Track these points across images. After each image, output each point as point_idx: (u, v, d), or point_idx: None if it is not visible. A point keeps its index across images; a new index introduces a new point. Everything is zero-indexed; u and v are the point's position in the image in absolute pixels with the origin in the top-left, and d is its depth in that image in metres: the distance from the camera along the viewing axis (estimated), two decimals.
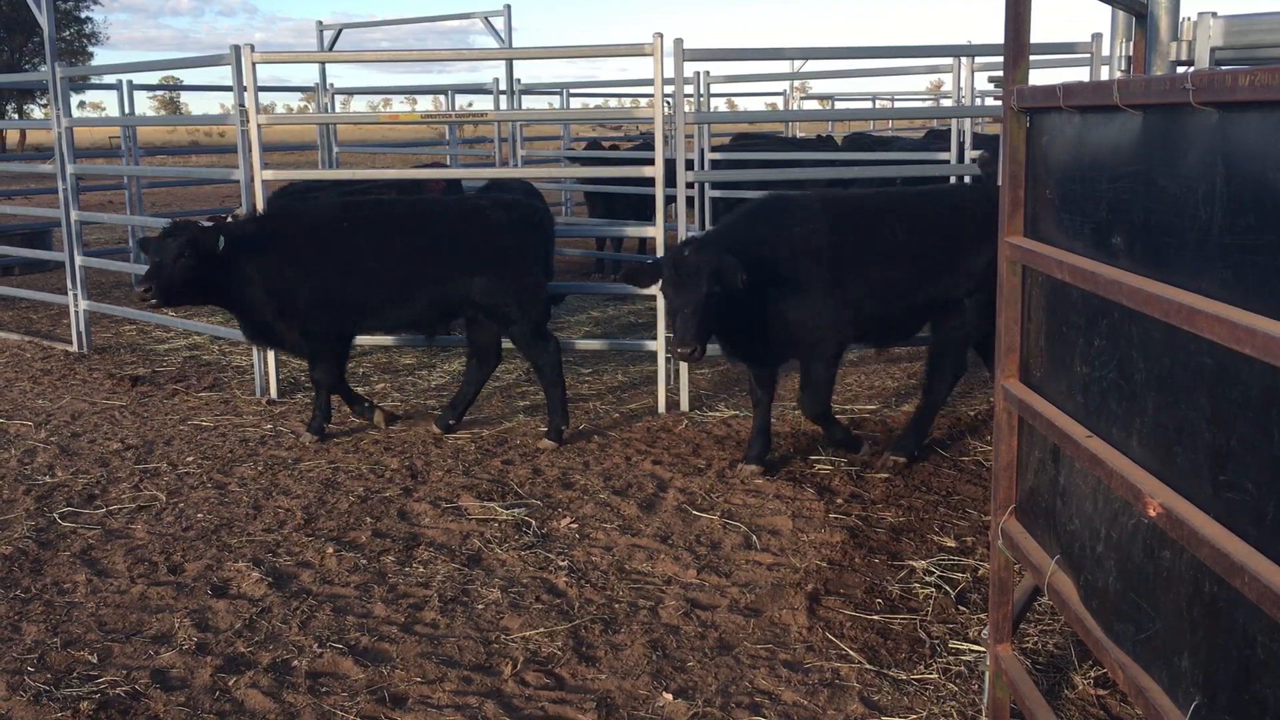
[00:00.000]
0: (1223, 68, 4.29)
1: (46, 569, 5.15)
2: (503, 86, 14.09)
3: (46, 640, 4.43)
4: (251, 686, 4.05)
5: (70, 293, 9.90)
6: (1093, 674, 3.98)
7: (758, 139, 15.09)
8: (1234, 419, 2.08)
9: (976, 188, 7.31)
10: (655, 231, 7.87)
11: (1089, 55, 8.32)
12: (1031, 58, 3.08)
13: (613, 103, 19.45)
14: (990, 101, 13.58)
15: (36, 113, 43.95)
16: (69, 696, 3.99)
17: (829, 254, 6.12)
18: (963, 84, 11.21)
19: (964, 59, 11.03)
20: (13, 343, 10.30)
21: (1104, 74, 7.81)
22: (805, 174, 10.36)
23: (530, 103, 17.54)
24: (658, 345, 7.57)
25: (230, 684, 4.07)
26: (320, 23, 14.18)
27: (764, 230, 6.18)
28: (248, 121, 7.82)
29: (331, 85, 15.18)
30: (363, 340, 8.19)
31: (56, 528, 5.65)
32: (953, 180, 10.07)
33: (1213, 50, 4.20)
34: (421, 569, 5.09)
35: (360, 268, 6.79)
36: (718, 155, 13.15)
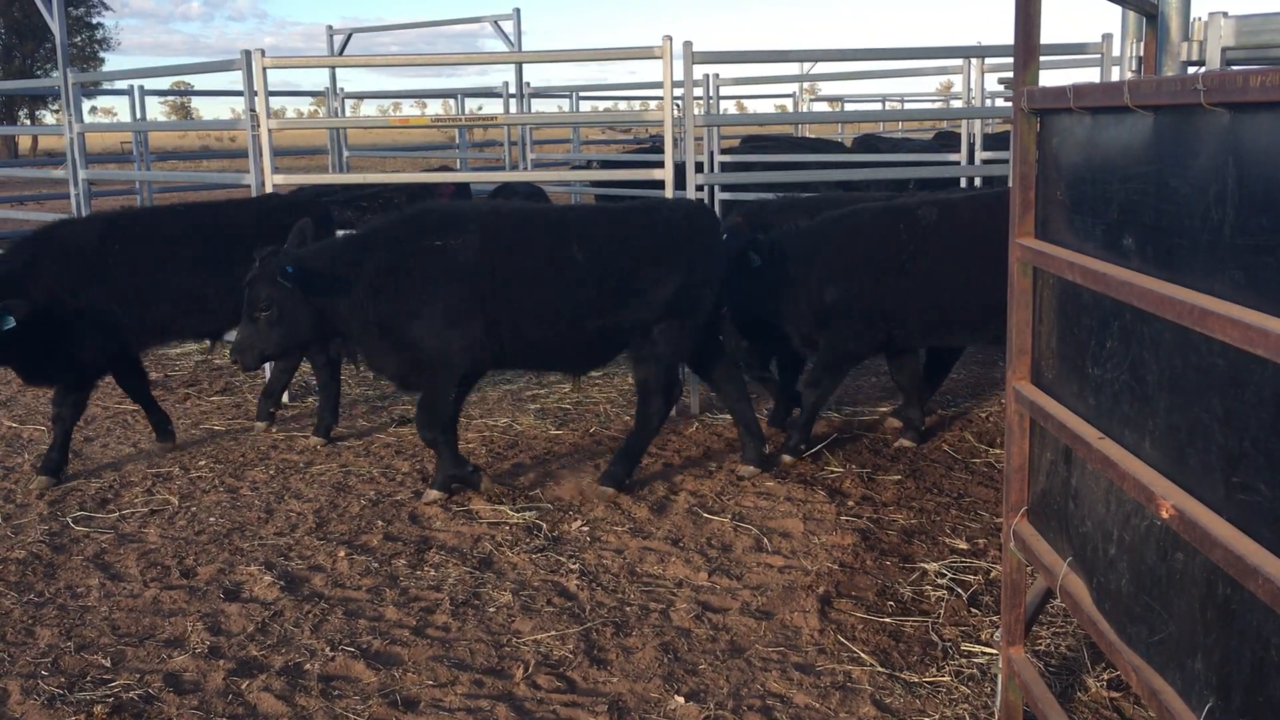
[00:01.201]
0: (1234, 68, 4.28)
1: (60, 573, 5.17)
2: (512, 90, 14.14)
3: (60, 644, 4.45)
4: (264, 690, 4.06)
5: None
6: (1106, 676, 3.97)
7: (768, 141, 15.08)
8: (1247, 420, 2.08)
9: (681, 203, 6.48)
10: None
11: (1099, 56, 8.31)
12: (1042, 59, 3.07)
13: (622, 106, 19.47)
14: (1000, 103, 13.56)
15: (48, 118, 44.16)
16: (82, 700, 4.00)
17: (473, 271, 5.72)
18: (973, 85, 11.20)
19: (974, 60, 11.02)
20: None
21: (1115, 75, 7.80)
22: (814, 176, 10.35)
23: (540, 106, 17.51)
24: None
25: (243, 687, 4.08)
26: (330, 27, 14.23)
27: (399, 241, 5.83)
28: (258, 126, 7.84)
29: (341, 89, 15.23)
30: None
31: (70, 531, 5.68)
32: (964, 183, 10.06)
33: (1224, 50, 4.19)
34: (433, 572, 5.10)
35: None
36: (727, 158, 13.16)
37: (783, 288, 6.52)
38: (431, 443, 6.00)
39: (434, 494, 6.00)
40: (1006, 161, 9.11)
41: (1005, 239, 6.66)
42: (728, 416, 7.39)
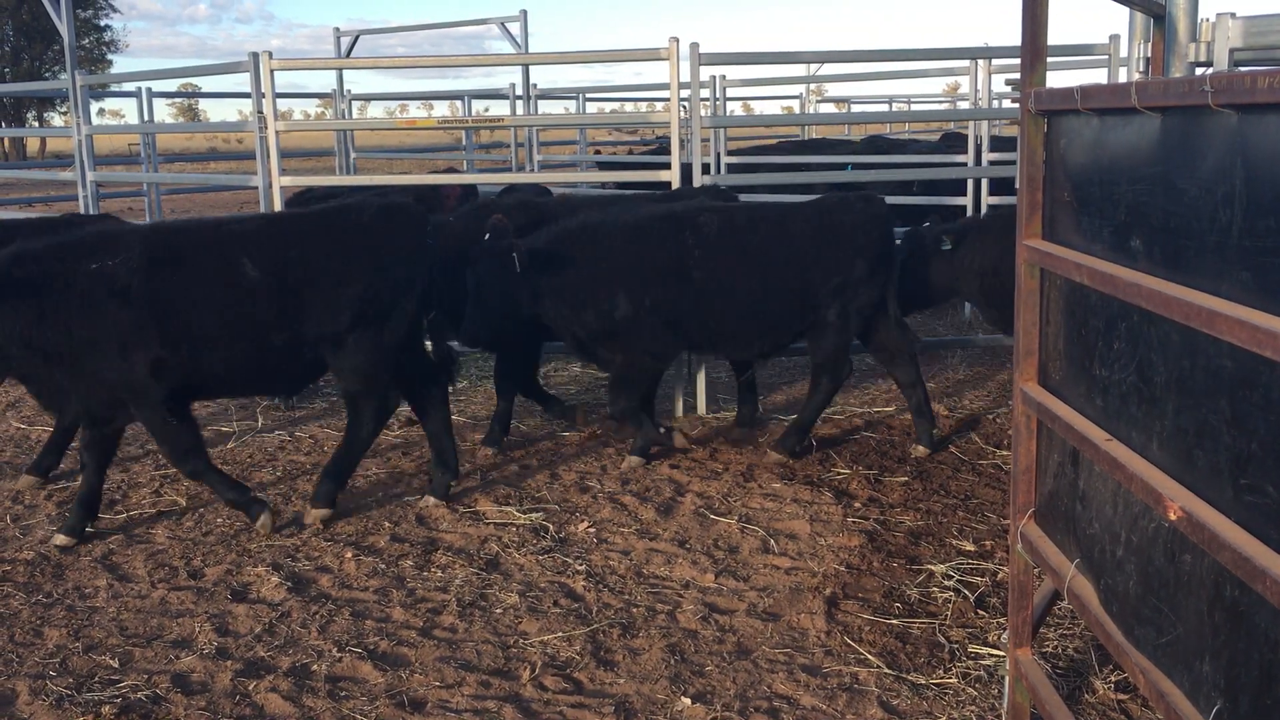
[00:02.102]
0: (1242, 69, 4.28)
1: (68, 574, 5.19)
2: (519, 91, 14.15)
3: (68, 645, 4.47)
4: (271, 690, 4.07)
5: None
6: (1113, 678, 3.96)
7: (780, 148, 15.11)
8: (1255, 422, 2.07)
9: (371, 202, 5.94)
10: None
11: (1107, 57, 8.30)
12: (1049, 60, 3.07)
13: (629, 107, 19.48)
14: (1007, 104, 13.54)
15: (57, 120, 44.30)
16: (90, 700, 4.01)
17: (135, 294, 5.23)
18: (980, 86, 11.19)
19: (981, 61, 11.01)
20: None
21: (1122, 76, 7.78)
22: (820, 177, 10.35)
23: (546, 107, 17.54)
24: None
25: (250, 688, 4.09)
26: (337, 29, 14.26)
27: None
28: (266, 128, 7.86)
29: (349, 91, 15.27)
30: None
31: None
32: (970, 184, 10.05)
33: (1231, 51, 4.19)
34: (440, 573, 5.10)
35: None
36: (734, 159, 13.16)
37: (559, 292, 6.33)
38: (193, 474, 5.65)
39: (262, 521, 5.64)
40: (1013, 163, 9.11)
41: (786, 252, 6.42)
42: (734, 416, 7.39)
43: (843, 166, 11.90)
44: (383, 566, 5.19)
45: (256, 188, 8.13)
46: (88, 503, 5.61)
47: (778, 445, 6.65)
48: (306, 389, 6.33)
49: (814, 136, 16.42)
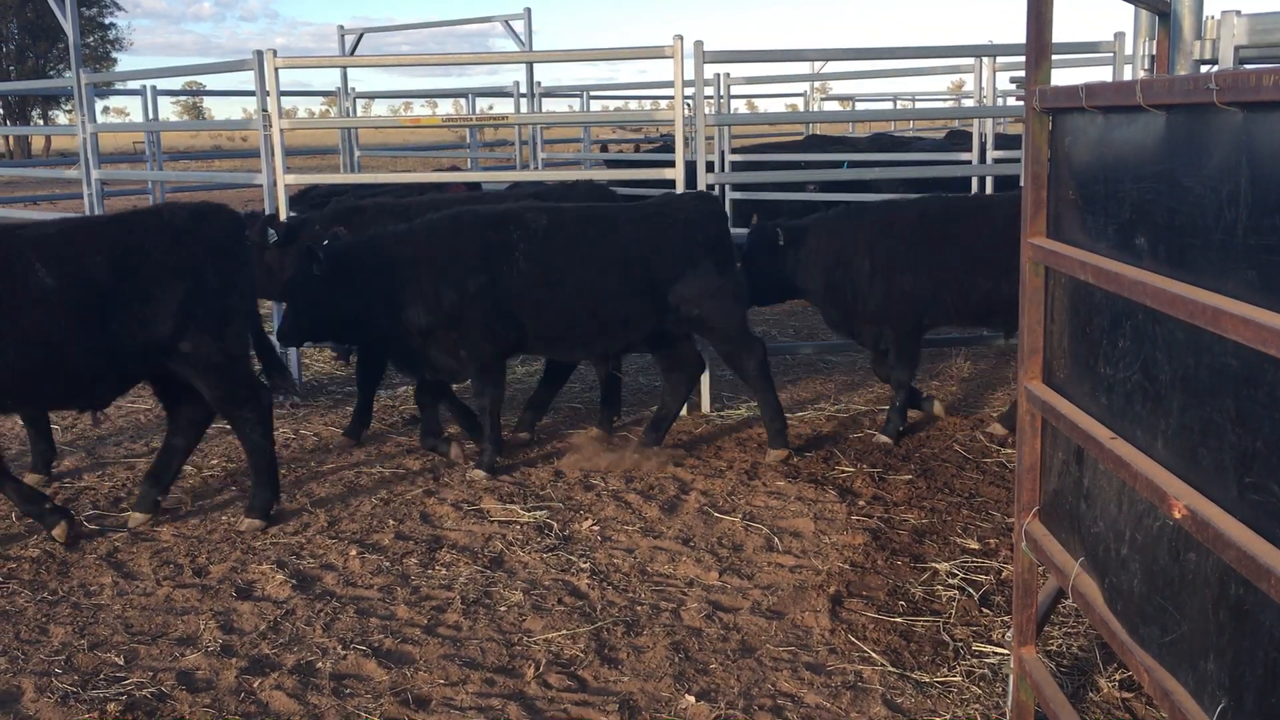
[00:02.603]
0: (1247, 67, 4.26)
1: (73, 571, 5.20)
2: (523, 89, 14.15)
3: (74, 642, 4.47)
4: (276, 688, 4.08)
5: None
6: (1118, 677, 3.96)
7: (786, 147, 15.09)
8: (1260, 420, 2.07)
9: (186, 207, 5.81)
10: None
11: (1112, 55, 8.29)
12: (1054, 57, 3.07)
13: (633, 105, 19.48)
14: (1012, 102, 13.52)
15: (61, 118, 44.37)
16: (96, 698, 4.02)
17: None
18: (984, 84, 11.17)
19: (985, 59, 10.99)
20: None
21: (1127, 74, 7.77)
22: (824, 175, 10.33)
23: (551, 105, 17.55)
24: None
25: (255, 685, 4.10)
26: (341, 27, 14.26)
27: None
28: (270, 126, 7.87)
29: (353, 89, 15.27)
30: None
31: (83, 530, 5.70)
32: (975, 182, 10.04)
33: (1237, 49, 4.17)
34: (444, 571, 5.11)
35: None
36: (738, 157, 13.15)
37: (372, 293, 6.26)
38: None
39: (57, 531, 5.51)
40: (1018, 161, 9.10)
41: (617, 250, 6.39)
42: (738, 414, 7.39)
43: (844, 165, 11.89)
44: (387, 564, 5.19)
45: (261, 185, 8.14)
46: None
47: (643, 441, 6.74)
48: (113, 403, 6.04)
49: (831, 134, 16.38)
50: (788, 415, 7.43)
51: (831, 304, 7.04)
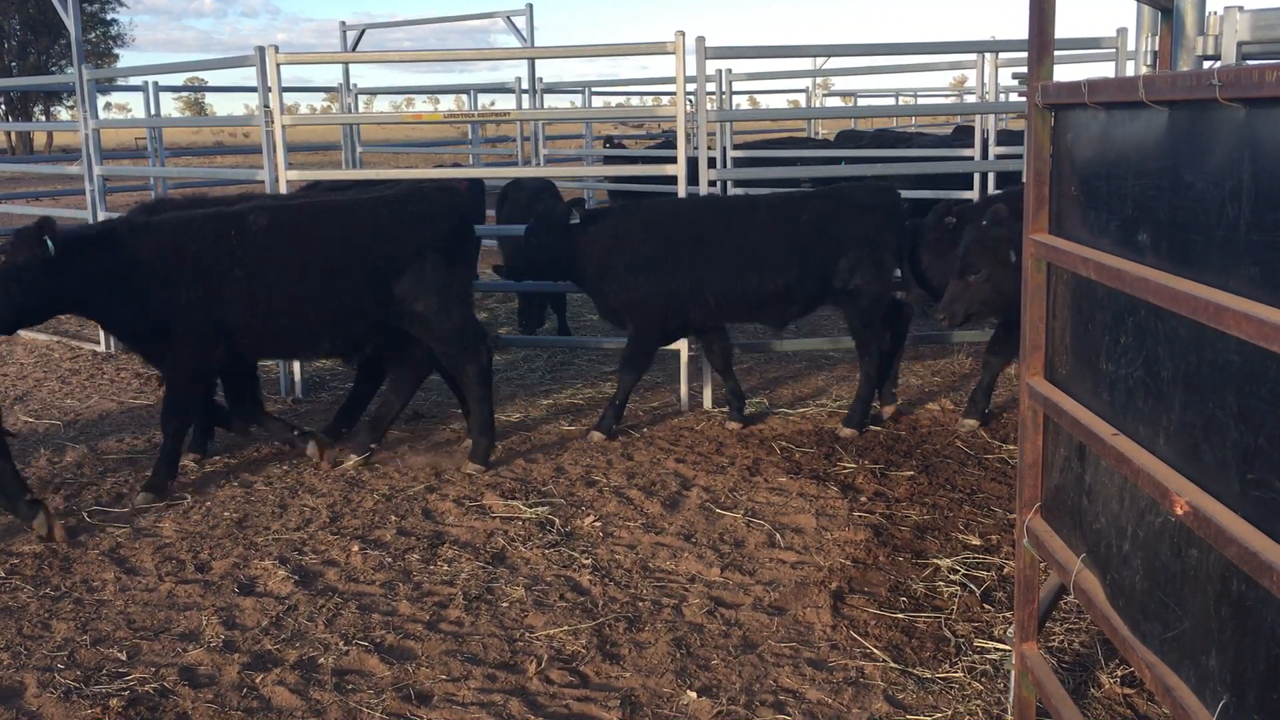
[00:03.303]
0: (1250, 63, 4.25)
1: (76, 567, 5.20)
2: (525, 85, 14.15)
3: (76, 638, 4.48)
4: (278, 684, 4.08)
5: None
6: (1119, 673, 3.96)
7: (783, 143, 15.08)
8: (1262, 416, 2.07)
9: None
10: None
11: (1114, 51, 8.27)
12: (1056, 53, 3.06)
13: (635, 101, 19.46)
14: (1014, 97, 13.51)
15: (63, 114, 44.34)
16: (98, 693, 4.03)
17: None
18: (986, 80, 11.16)
19: (988, 55, 10.97)
20: (41, 343, 10.40)
21: (1129, 69, 7.76)
22: (825, 172, 10.33)
23: (552, 101, 17.57)
24: (680, 344, 7.56)
25: (257, 681, 4.11)
26: (343, 23, 14.26)
27: None
28: (272, 122, 7.86)
29: (355, 85, 15.26)
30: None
31: (86, 526, 5.71)
32: (977, 178, 10.03)
33: (1239, 45, 4.16)
34: (446, 567, 5.11)
35: None
36: (740, 153, 13.14)
37: (95, 286, 5.98)
38: None
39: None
40: (1020, 157, 9.09)
41: (347, 247, 6.32)
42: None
43: (852, 162, 11.88)
44: (389, 560, 5.20)
45: (263, 181, 8.14)
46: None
47: (354, 446, 6.62)
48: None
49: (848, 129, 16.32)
50: (789, 412, 7.45)
51: (598, 295, 7.12)
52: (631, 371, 6.96)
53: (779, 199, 7.32)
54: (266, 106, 7.90)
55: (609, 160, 14.54)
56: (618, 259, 6.88)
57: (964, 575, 4.87)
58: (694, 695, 3.93)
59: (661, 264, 6.81)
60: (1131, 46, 7.72)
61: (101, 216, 9.81)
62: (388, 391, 6.80)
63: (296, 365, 8.19)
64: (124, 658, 4.31)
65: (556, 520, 5.65)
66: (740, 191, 10.80)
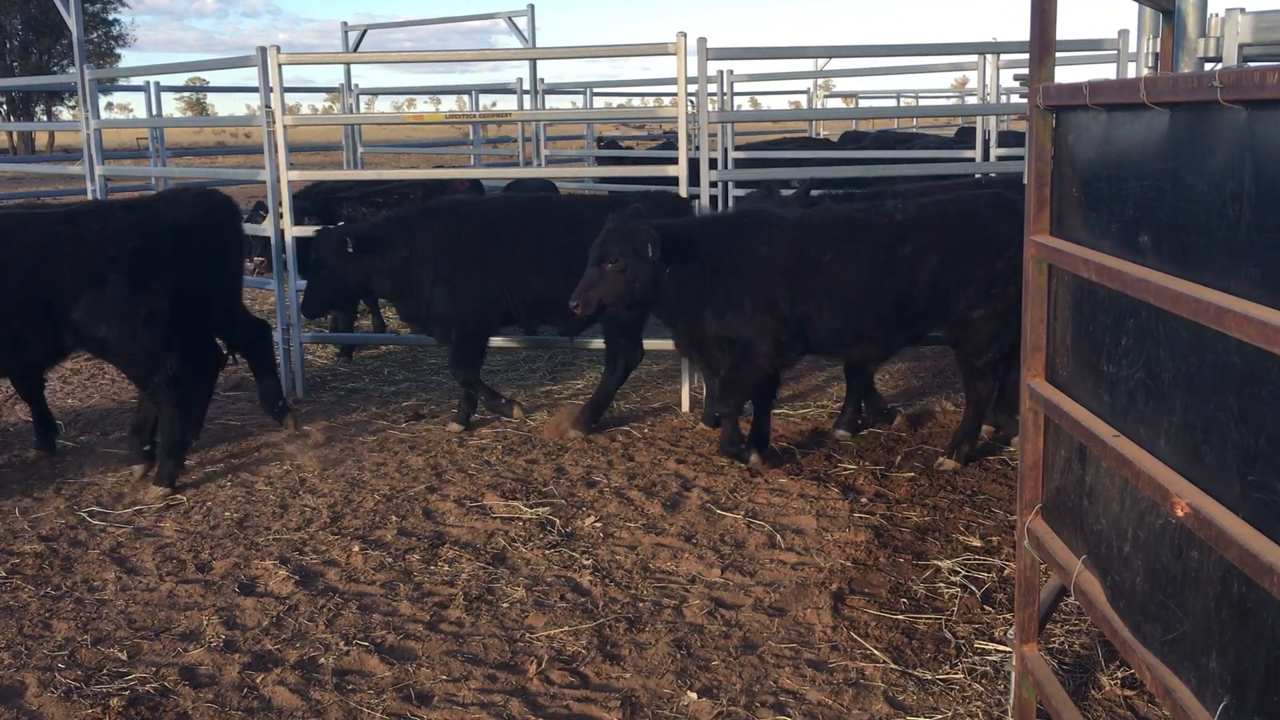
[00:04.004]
0: (1251, 65, 4.26)
1: (76, 567, 5.21)
2: (526, 86, 14.15)
3: (77, 637, 4.48)
4: (279, 684, 4.08)
5: None
6: (1120, 674, 3.96)
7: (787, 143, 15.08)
8: (1263, 418, 2.07)
9: None
10: None
11: (1116, 52, 8.28)
12: (1057, 55, 3.06)
13: (636, 102, 19.45)
14: (1016, 99, 13.51)
15: (65, 114, 44.34)
16: (99, 693, 4.03)
17: None
18: (988, 81, 11.16)
19: (989, 56, 10.98)
20: None
21: (1131, 71, 7.76)
22: (827, 173, 10.32)
23: (554, 102, 17.56)
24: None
25: (258, 681, 4.11)
26: (345, 24, 14.26)
27: None
28: (274, 122, 7.87)
29: (356, 86, 15.27)
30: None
31: (86, 525, 5.71)
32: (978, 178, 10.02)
33: (1241, 47, 4.16)
34: (446, 567, 5.12)
35: None
36: (741, 154, 13.14)
37: None
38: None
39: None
40: (1021, 158, 9.09)
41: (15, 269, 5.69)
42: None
43: (848, 161, 11.87)
44: (390, 560, 5.20)
45: (264, 182, 8.14)
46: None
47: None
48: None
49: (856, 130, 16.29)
50: (790, 412, 7.45)
51: (402, 303, 7.20)
52: (466, 369, 7.18)
53: (571, 200, 7.40)
54: (268, 107, 7.91)
55: (603, 161, 14.52)
56: (426, 269, 7.02)
57: (964, 577, 4.87)
58: (694, 696, 3.93)
59: (473, 268, 7.00)
60: (1133, 48, 7.72)
61: None
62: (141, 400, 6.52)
63: (298, 365, 8.19)
64: (125, 657, 4.31)
65: (557, 521, 5.65)
66: (741, 192, 10.81)
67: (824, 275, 6.05)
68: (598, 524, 5.60)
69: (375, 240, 7.06)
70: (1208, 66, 4.19)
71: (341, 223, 8.42)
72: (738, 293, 6.02)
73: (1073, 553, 3.06)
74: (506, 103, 17.21)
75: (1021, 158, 9.35)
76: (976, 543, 5.25)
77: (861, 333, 6.18)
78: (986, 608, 4.58)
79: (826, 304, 6.05)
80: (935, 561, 5.05)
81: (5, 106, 44.57)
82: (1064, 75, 3.18)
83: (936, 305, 6.13)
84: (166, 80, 15.58)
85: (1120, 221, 2.69)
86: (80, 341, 5.96)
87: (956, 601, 4.63)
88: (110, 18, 48.38)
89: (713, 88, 13.54)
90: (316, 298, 7.32)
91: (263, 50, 7.84)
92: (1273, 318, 1.94)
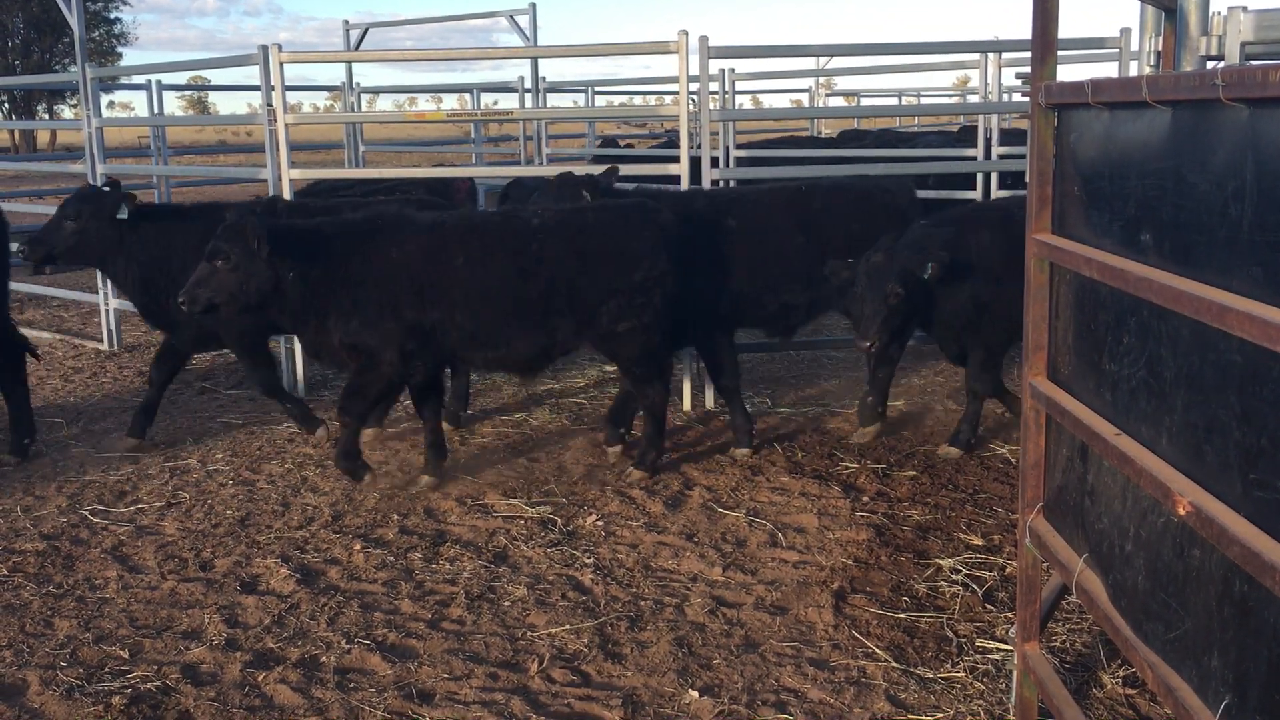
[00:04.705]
0: (1253, 63, 4.25)
1: (78, 565, 5.21)
2: (528, 85, 14.13)
3: (78, 635, 4.49)
4: (280, 682, 4.08)
5: (101, 291, 9.99)
6: (1121, 673, 3.96)
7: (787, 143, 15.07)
8: (1265, 417, 2.07)
9: None
10: None
11: (1118, 51, 8.26)
12: (1059, 53, 3.06)
13: (637, 100, 19.44)
14: (1018, 97, 13.49)
15: (67, 113, 44.34)
16: (101, 691, 4.03)
17: None
18: (989, 80, 11.14)
19: (991, 55, 10.96)
20: (44, 341, 10.41)
21: (1133, 70, 7.75)
22: (829, 171, 10.31)
23: (555, 101, 17.53)
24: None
25: (259, 679, 4.11)
26: (346, 22, 14.25)
27: None
28: (275, 121, 7.87)
29: (358, 84, 15.25)
30: None
31: (88, 524, 5.71)
32: (979, 178, 10.02)
33: (1243, 45, 4.16)
34: (448, 566, 5.12)
35: None
36: (743, 153, 13.12)
37: None
38: None
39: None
40: (1023, 157, 9.08)
41: None
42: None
43: (849, 160, 11.85)
44: (391, 559, 5.20)
45: (266, 180, 8.14)
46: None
47: None
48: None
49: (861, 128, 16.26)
50: (792, 411, 7.44)
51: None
52: (257, 374, 7.02)
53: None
54: (269, 105, 7.91)
55: (600, 160, 14.49)
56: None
57: (966, 575, 4.87)
58: (696, 694, 3.93)
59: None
60: (1135, 47, 7.71)
61: None
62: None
63: (300, 364, 8.20)
64: (126, 656, 4.31)
65: (558, 519, 5.65)
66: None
67: (456, 281, 5.83)
68: (599, 522, 5.60)
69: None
70: (1210, 65, 4.19)
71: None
72: (364, 298, 5.75)
73: (1074, 551, 3.06)
74: (508, 101, 17.17)
75: (1023, 156, 9.34)
76: (978, 541, 5.25)
77: (498, 339, 5.93)
78: (988, 606, 4.58)
79: (460, 310, 5.82)
80: (937, 560, 5.05)
81: (7, 105, 44.57)
82: (1066, 74, 3.18)
83: (579, 315, 5.95)
84: (168, 79, 15.56)
85: (1122, 220, 2.68)
86: None
87: (958, 600, 4.63)
88: (112, 16, 48.36)
89: (714, 86, 13.54)
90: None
91: (264, 49, 7.84)
92: (1275, 316, 1.94)
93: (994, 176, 10.08)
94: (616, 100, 20.23)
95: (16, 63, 44.29)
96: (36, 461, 6.74)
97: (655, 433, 6.24)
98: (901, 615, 4.51)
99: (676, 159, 7.68)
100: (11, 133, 40.59)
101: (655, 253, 6.05)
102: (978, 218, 6.66)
